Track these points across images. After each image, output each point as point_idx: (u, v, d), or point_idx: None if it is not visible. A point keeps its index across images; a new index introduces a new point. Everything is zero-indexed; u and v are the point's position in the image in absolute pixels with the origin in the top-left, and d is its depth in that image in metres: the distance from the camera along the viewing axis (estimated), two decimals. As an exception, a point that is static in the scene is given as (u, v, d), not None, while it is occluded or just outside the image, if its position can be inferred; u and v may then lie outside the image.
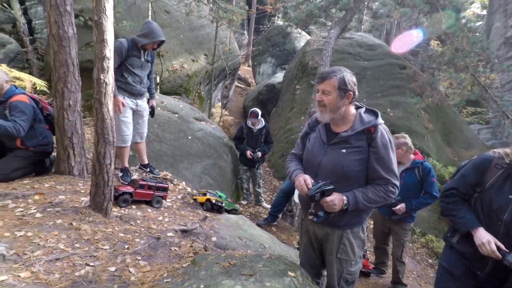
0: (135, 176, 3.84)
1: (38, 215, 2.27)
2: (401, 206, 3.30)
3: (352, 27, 6.96)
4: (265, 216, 5.09)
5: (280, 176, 7.66)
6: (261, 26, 21.75)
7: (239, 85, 17.34)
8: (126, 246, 2.13)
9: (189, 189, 4.26)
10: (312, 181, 1.72)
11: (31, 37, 11.42)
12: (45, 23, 3.00)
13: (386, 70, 8.58)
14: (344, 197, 1.72)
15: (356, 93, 1.79)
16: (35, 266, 1.61)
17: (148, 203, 3.25)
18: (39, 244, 1.88)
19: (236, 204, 4.76)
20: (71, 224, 2.24)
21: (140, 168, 4.09)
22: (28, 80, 6.00)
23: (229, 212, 4.03)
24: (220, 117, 10.09)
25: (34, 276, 1.54)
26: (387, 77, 8.38)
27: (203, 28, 9.78)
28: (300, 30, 11.77)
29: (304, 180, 1.71)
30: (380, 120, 1.79)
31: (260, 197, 5.63)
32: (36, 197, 2.61)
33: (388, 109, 7.40)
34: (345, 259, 1.92)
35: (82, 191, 3.03)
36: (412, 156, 3.40)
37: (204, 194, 3.91)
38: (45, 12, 12.87)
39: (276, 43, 16.16)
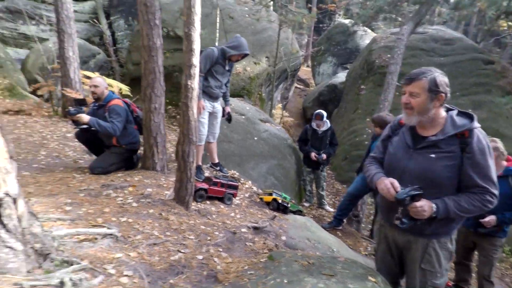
0: (206, 173, 4.13)
1: (134, 204, 2.60)
2: (490, 219, 2.96)
3: (426, 21, 6.38)
4: (329, 220, 5.01)
5: (342, 179, 7.44)
6: (321, 25, 21.30)
7: (298, 85, 17.25)
8: (208, 238, 2.32)
9: (254, 188, 4.41)
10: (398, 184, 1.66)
11: (114, 47, 13.03)
12: (138, 35, 3.40)
13: (466, 66, 7.71)
14: (433, 204, 1.63)
15: (448, 94, 1.69)
16: (140, 248, 1.87)
17: (220, 199, 3.46)
18: (138, 230, 2.16)
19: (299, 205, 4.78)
20: (161, 214, 2.52)
21: (211, 166, 4.37)
22: (116, 85, 6.86)
23: (294, 213, 4.08)
24: (281, 118, 10.19)
25: (140, 256, 1.79)
26: (468, 73, 7.52)
27: (265, 31, 9.99)
28: (366, 28, 11.21)
29: (391, 183, 1.66)
30: (476, 124, 1.66)
31: (323, 200, 5.55)
32: (130, 188, 2.99)
33: (470, 110, 6.63)
34: (430, 270, 1.81)
35: (165, 185, 3.37)
36: (504, 163, 3.03)
37: (270, 194, 4.01)
38: (125, 24, 14.39)
39: (338, 42, 15.67)
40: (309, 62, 19.39)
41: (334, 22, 19.13)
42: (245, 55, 3.73)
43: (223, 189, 3.44)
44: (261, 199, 4.03)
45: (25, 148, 4.32)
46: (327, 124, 5.13)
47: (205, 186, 3.32)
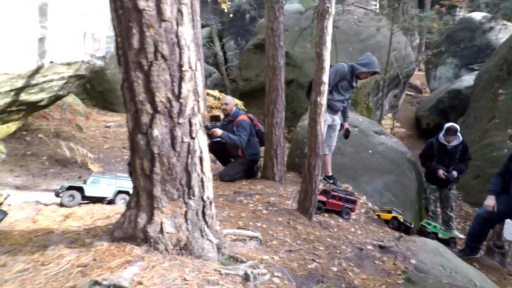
0: (320, 186, 4.18)
1: (264, 211, 2.86)
2: None
3: None
4: (459, 246, 4.33)
5: (473, 201, 6.32)
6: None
7: (409, 92, 15.63)
8: (337, 251, 2.36)
9: (369, 204, 4.22)
10: None
11: (226, 66, 14.64)
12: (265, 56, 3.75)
13: None
14: None
15: None
16: (280, 253, 2.05)
17: (338, 213, 3.45)
18: (273, 236, 2.36)
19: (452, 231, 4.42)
20: (289, 223, 2.69)
21: (324, 179, 4.39)
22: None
23: (445, 242, 3.75)
24: (391, 129, 9.43)
25: (282, 261, 1.96)
26: None
27: (373, 37, 9.51)
28: (504, 21, 9.28)
29: None
30: None
31: (450, 222, 4.82)
32: (257, 196, 3.29)
33: None
34: None
35: (284, 195, 3.58)
36: None
37: (389, 212, 3.77)
38: (235, 45, 16.04)
39: (461, 39, 13.54)
40: (422, 66, 17.37)
41: (453, 18, 16.67)
42: (375, 73, 3.73)
43: (341, 203, 3.42)
44: (378, 216, 3.83)
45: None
46: (459, 138, 4.46)
47: (323, 198, 3.37)
